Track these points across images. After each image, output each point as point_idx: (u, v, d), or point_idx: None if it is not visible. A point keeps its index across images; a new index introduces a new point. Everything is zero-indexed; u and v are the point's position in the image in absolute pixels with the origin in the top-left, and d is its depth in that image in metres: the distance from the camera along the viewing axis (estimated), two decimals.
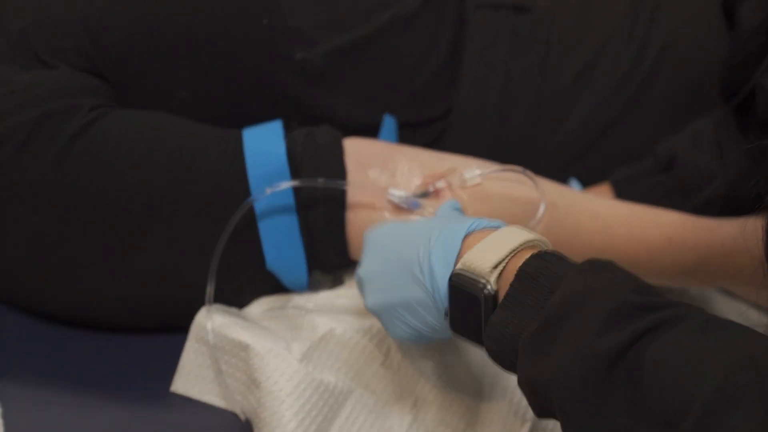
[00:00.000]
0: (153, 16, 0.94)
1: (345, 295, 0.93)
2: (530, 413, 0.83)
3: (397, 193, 0.88)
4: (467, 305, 0.69)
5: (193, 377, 0.89)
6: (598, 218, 0.94)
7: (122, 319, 0.94)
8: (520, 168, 0.91)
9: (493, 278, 0.68)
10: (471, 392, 0.87)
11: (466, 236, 0.72)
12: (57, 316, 0.94)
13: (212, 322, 0.87)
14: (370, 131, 1.00)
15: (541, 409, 0.64)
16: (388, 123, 1.01)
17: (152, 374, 0.90)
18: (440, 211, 0.85)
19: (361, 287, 0.80)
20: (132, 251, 0.89)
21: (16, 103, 0.89)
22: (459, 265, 0.70)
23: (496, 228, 0.73)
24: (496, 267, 0.68)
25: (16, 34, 0.93)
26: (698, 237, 0.95)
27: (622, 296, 0.61)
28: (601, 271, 0.64)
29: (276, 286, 0.94)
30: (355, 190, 0.89)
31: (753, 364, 0.54)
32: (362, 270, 0.79)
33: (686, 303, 0.62)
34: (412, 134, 1.02)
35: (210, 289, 0.88)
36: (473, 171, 0.90)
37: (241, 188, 0.88)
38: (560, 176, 1.03)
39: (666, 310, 0.60)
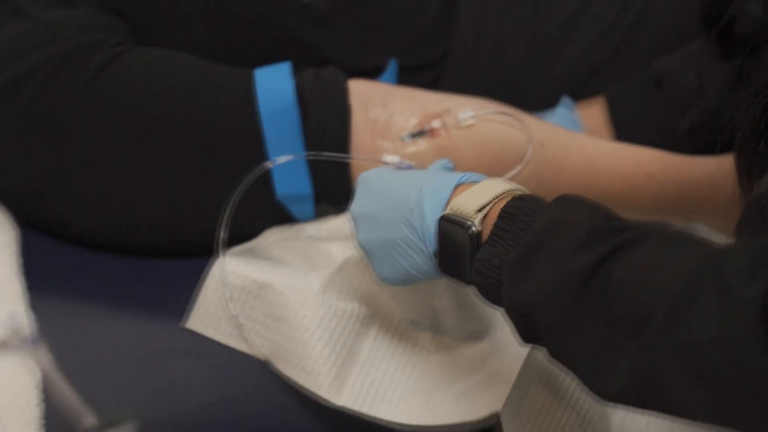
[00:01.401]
0: None
1: None
2: None
3: (390, 159, 0.93)
4: (454, 245, 0.75)
5: (209, 317, 0.92)
6: (584, 156, 0.99)
7: (140, 243, 1.00)
8: (511, 110, 0.97)
9: (477, 219, 0.74)
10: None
11: (455, 186, 0.78)
12: (82, 239, 1.00)
13: (230, 265, 0.92)
14: (372, 73, 1.05)
15: (527, 333, 0.71)
16: (392, 66, 1.06)
17: (170, 298, 0.95)
18: (431, 168, 0.90)
19: (353, 224, 0.86)
20: (149, 177, 0.95)
21: (42, 38, 0.94)
22: (447, 210, 0.76)
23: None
24: (480, 210, 0.74)
25: None
26: (678, 173, 1.00)
27: (592, 222, 0.67)
28: (573, 204, 0.71)
29: (285, 217, 0.99)
30: (356, 154, 0.95)
31: (709, 267, 0.59)
32: (355, 208, 0.85)
33: (652, 224, 0.68)
34: (412, 77, 1.08)
35: (223, 236, 0.92)
36: (467, 112, 0.95)
37: (252, 123, 0.94)
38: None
39: (632, 231, 0.66)
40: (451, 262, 0.76)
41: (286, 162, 0.95)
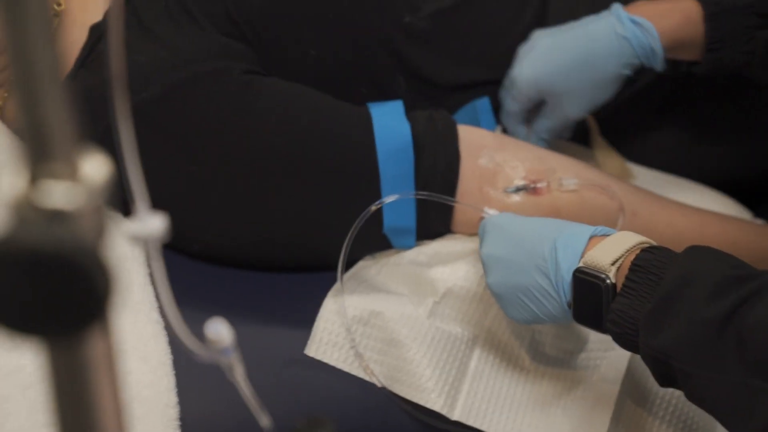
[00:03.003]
0: None
1: (449, 244, 1.05)
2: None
3: (491, 212, 1.00)
4: (589, 296, 0.81)
5: (327, 345, 0.99)
6: (672, 228, 1.08)
7: (255, 259, 1.06)
8: (613, 188, 1.05)
9: (612, 272, 0.80)
10: None
11: (589, 238, 0.84)
12: (201, 254, 1.06)
13: (345, 297, 0.99)
14: (464, 88, 1.15)
15: (664, 378, 0.77)
16: (484, 105, 1.14)
17: (287, 308, 1.03)
18: None
19: (483, 266, 0.91)
20: (272, 200, 1.01)
21: (177, 62, 1.00)
22: (582, 263, 0.82)
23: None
24: (614, 263, 0.80)
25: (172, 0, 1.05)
26: (758, 241, 1.09)
27: (722, 271, 0.73)
28: (702, 254, 0.77)
29: (386, 245, 1.06)
30: (461, 202, 1.02)
31: None
32: (485, 251, 0.91)
33: None
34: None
35: (341, 266, 0.99)
36: (571, 179, 1.04)
37: (370, 159, 1.01)
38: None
39: (762, 278, 0.71)
40: (586, 312, 0.82)
41: (396, 201, 1.02)
